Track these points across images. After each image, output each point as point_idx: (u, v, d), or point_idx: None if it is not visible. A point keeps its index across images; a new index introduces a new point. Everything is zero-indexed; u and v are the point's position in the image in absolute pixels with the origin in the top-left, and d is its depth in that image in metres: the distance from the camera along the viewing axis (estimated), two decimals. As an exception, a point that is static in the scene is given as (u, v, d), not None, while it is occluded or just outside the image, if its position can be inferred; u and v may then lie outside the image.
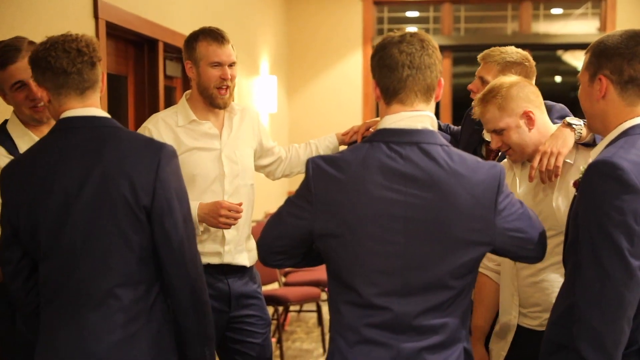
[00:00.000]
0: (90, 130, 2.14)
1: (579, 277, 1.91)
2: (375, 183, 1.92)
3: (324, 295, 5.86)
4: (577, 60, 8.55)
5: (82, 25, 3.65)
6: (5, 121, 2.62)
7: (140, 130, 2.97)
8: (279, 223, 2.07)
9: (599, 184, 1.87)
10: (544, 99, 2.64)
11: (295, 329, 6.43)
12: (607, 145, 2.01)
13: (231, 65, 2.98)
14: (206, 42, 2.96)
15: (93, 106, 2.17)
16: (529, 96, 2.52)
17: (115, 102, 4.22)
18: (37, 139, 2.52)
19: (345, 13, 7.84)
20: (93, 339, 2.08)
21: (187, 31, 4.99)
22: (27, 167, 2.16)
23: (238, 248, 3.01)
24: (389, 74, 1.98)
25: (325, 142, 3.26)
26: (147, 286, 2.14)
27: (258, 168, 3.24)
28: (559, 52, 8.68)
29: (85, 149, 2.11)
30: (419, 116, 1.98)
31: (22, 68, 2.49)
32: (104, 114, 2.19)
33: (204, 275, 2.23)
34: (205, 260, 2.85)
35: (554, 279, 2.47)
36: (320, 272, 5.98)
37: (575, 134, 2.46)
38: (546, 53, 8.55)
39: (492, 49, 3.08)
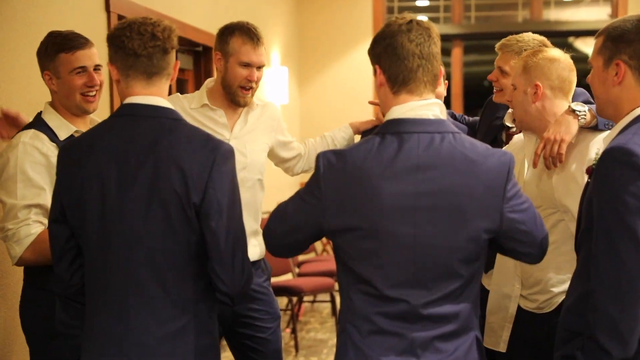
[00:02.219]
0: (151, 119, 2.11)
1: (593, 265, 1.90)
2: (386, 175, 1.92)
3: (337, 286, 5.87)
4: (588, 47, 8.51)
5: (93, 19, 3.67)
6: (39, 113, 2.65)
7: None
8: (287, 219, 2.06)
9: (614, 170, 1.87)
10: None
11: (309, 319, 6.46)
12: (621, 132, 2.00)
13: (259, 67, 2.96)
14: (241, 39, 2.91)
15: (158, 94, 2.14)
16: (551, 75, 2.55)
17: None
18: (74, 129, 2.59)
19: (356, 3, 7.83)
20: (142, 330, 2.07)
21: (198, 23, 5.03)
22: (84, 148, 2.13)
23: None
24: (399, 62, 1.97)
25: (340, 134, 3.26)
26: (195, 281, 2.11)
27: (277, 162, 3.24)
28: (571, 39, 8.65)
29: (143, 139, 2.08)
30: (428, 104, 1.98)
31: (87, 55, 2.62)
32: (168, 104, 2.14)
33: (251, 278, 2.17)
34: None
35: (551, 258, 2.50)
36: (333, 263, 5.99)
37: (579, 120, 2.48)
38: (557, 40, 8.48)
39: (509, 37, 3.08)
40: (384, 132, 1.98)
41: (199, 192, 2.04)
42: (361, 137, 3.13)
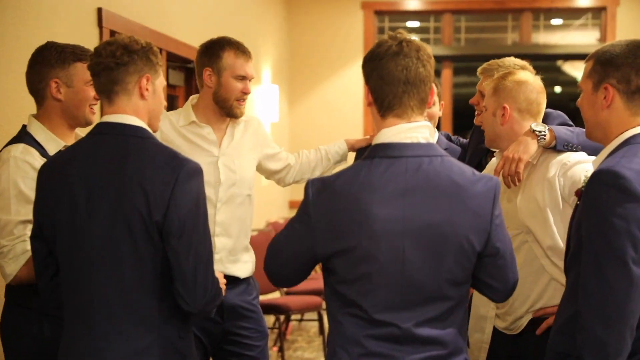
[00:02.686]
0: (119, 137, 2.12)
1: (581, 286, 1.91)
2: (375, 200, 1.91)
3: (325, 304, 5.85)
4: (577, 70, 8.58)
5: (86, 34, 3.68)
6: (24, 126, 2.59)
7: None
8: (282, 250, 2.06)
9: (602, 192, 1.88)
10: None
11: (296, 337, 6.44)
12: (609, 155, 2.02)
13: (250, 80, 3.02)
14: (234, 53, 2.96)
15: (126, 112, 2.14)
16: (518, 97, 2.59)
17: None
18: (63, 143, 2.54)
19: (346, 23, 7.88)
20: (106, 347, 2.07)
21: (190, 40, 5.05)
22: (58, 167, 2.16)
23: (231, 258, 2.99)
24: (385, 87, 1.96)
25: (334, 148, 3.26)
26: (160, 299, 2.10)
27: (268, 175, 3.25)
28: (559, 63, 8.71)
29: (110, 157, 2.09)
30: (417, 127, 1.98)
31: None
32: (138, 122, 2.14)
33: (218, 295, 2.16)
34: None
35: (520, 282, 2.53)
36: (321, 281, 5.97)
37: (538, 140, 2.52)
38: (546, 63, 8.58)
39: (490, 62, 3.12)
40: (373, 155, 1.97)
41: (161, 210, 2.04)
42: (355, 155, 3.15)
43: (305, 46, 7.93)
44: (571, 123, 2.83)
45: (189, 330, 2.20)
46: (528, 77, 2.63)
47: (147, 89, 2.16)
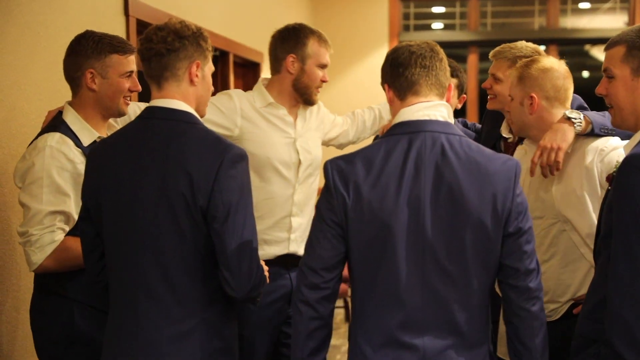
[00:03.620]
0: (165, 122, 2.13)
1: (611, 270, 1.90)
2: (395, 176, 1.93)
3: (350, 292, 5.85)
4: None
5: (112, 23, 3.69)
6: (60, 113, 2.60)
7: (221, 95, 3.04)
8: (318, 235, 2.03)
9: (633, 177, 1.87)
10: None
11: (322, 324, 6.44)
12: None
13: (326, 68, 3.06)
14: (318, 42, 3.03)
15: (172, 97, 2.15)
16: (545, 85, 2.56)
17: (147, 99, 4.29)
18: (97, 134, 2.56)
19: (372, 9, 7.83)
20: (152, 329, 2.09)
21: (217, 29, 5.05)
22: (106, 150, 2.18)
23: (304, 237, 2.97)
24: (402, 70, 2.02)
25: (387, 107, 3.30)
26: (205, 283, 2.11)
27: (326, 143, 3.30)
28: (587, 47, 8.61)
29: (155, 141, 2.10)
30: (435, 105, 2.01)
31: (134, 60, 2.62)
32: (185, 107, 2.15)
33: (262, 282, 2.16)
34: (271, 252, 2.90)
35: (556, 269, 2.50)
36: (347, 269, 5.98)
37: (574, 127, 2.48)
38: (574, 48, 8.48)
39: (502, 45, 3.11)
40: (392, 133, 2.01)
41: (205, 194, 2.04)
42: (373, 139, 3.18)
43: (330, 33, 7.81)
44: (587, 106, 2.79)
45: (233, 317, 2.21)
46: (553, 63, 2.60)
47: (196, 75, 2.18)
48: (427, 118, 1.98)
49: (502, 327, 2.68)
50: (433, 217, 1.92)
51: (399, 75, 2.02)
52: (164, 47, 2.12)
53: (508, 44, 3.09)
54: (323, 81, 3.04)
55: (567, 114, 2.50)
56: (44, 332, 2.54)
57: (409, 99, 2.02)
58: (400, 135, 1.98)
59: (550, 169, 2.48)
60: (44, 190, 2.42)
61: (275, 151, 2.93)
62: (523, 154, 2.73)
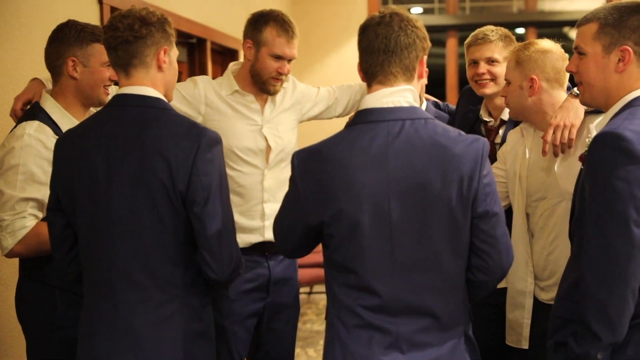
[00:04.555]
0: (137, 109, 2.12)
1: (584, 250, 1.90)
2: (360, 166, 1.93)
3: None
4: (583, 37, 8.49)
5: (86, 10, 3.65)
6: (37, 103, 2.60)
7: (186, 82, 2.96)
8: (281, 222, 2.10)
9: (604, 155, 1.87)
10: None
11: (305, 310, 6.45)
12: (612, 118, 2.00)
13: (290, 60, 2.92)
14: (275, 31, 2.86)
15: (142, 84, 2.15)
16: (546, 67, 2.55)
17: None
18: (77, 122, 2.53)
19: (350, -6, 7.80)
20: (130, 315, 2.10)
21: (192, 15, 5.00)
22: (76, 139, 2.16)
23: None
24: (367, 57, 2.00)
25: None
26: (184, 268, 2.12)
27: (309, 119, 3.17)
28: (565, 30, 8.64)
29: (129, 128, 2.10)
30: (399, 91, 1.98)
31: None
32: (155, 93, 2.15)
33: (241, 264, 2.19)
34: (246, 239, 2.86)
35: (563, 249, 2.48)
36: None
37: None
38: (552, 30, 8.50)
39: (475, 33, 3.11)
40: (356, 122, 2.00)
41: (184, 179, 2.05)
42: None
43: (309, 19, 7.86)
44: (571, 86, 2.79)
45: (210, 301, 2.23)
46: (551, 45, 2.60)
47: (164, 61, 2.18)
48: (391, 105, 1.97)
49: (509, 316, 2.67)
50: (400, 204, 1.91)
51: (364, 61, 2.01)
52: (130, 34, 2.11)
53: (479, 30, 3.09)
54: (281, 73, 2.88)
55: (575, 90, 2.48)
56: (28, 318, 2.57)
57: (374, 87, 2.01)
58: (363, 125, 1.97)
59: (562, 147, 2.46)
60: (19, 177, 2.43)
61: (239, 139, 2.87)
62: (519, 137, 2.71)
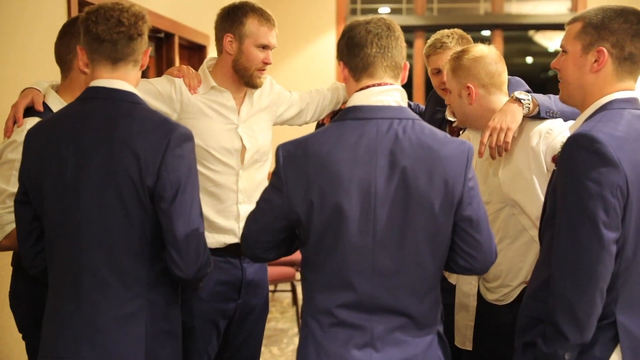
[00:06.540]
0: (109, 102, 2.11)
1: (554, 250, 1.93)
2: (347, 161, 1.93)
3: (298, 275, 5.87)
4: (548, 40, 8.60)
5: (53, 4, 3.61)
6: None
7: (163, 78, 2.88)
8: (259, 216, 2.06)
9: (577, 156, 1.89)
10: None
11: (270, 308, 6.45)
12: (586, 120, 2.03)
13: (272, 49, 2.91)
14: (258, 21, 2.84)
15: (124, 79, 2.14)
16: (479, 74, 2.57)
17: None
18: None
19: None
20: (93, 311, 2.08)
21: (160, 10, 4.97)
22: (47, 131, 2.15)
23: None
24: (358, 51, 2.01)
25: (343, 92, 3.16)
26: (150, 265, 2.11)
27: (280, 123, 3.14)
28: (531, 33, 8.73)
29: (99, 122, 2.09)
30: (388, 90, 2.00)
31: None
32: (129, 88, 2.14)
33: (209, 263, 2.17)
34: (221, 240, 2.83)
35: (506, 254, 2.53)
36: (294, 253, 5.97)
37: (523, 108, 2.50)
38: (518, 33, 8.58)
39: (432, 41, 3.18)
40: (344, 118, 2.00)
41: (153, 174, 2.04)
42: (330, 119, 3.12)
43: (277, 15, 7.83)
44: (530, 89, 2.83)
45: (177, 300, 2.21)
46: (482, 50, 2.61)
47: (147, 60, 2.21)
48: (380, 104, 1.98)
49: (457, 317, 2.70)
50: (385, 203, 1.92)
51: (355, 55, 2.02)
52: (135, 31, 2.12)
53: (434, 38, 3.14)
54: (266, 63, 2.86)
55: (516, 94, 2.52)
56: (17, 312, 2.59)
57: (364, 81, 2.02)
58: (352, 121, 1.98)
59: (498, 149, 2.50)
60: (13, 173, 2.42)
61: (215, 139, 2.82)
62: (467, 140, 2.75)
